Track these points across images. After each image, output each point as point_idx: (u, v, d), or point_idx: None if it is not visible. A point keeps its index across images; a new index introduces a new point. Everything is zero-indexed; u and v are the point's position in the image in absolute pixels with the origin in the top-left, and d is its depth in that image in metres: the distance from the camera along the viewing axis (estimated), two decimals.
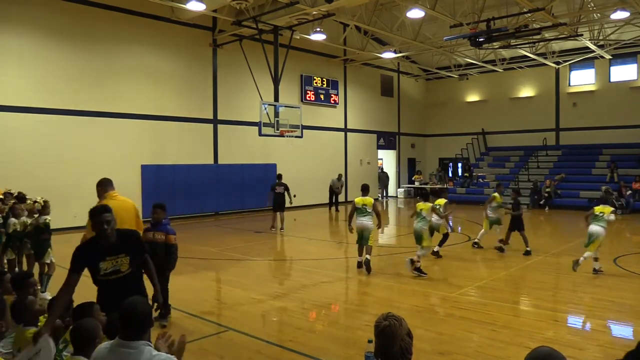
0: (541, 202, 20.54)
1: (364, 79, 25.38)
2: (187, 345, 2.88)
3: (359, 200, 9.24)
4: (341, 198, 23.53)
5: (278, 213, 14.71)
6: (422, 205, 9.20)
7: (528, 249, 10.44)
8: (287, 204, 15.04)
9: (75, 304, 3.73)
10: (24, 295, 3.84)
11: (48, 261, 7.50)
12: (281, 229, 14.64)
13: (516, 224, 10.74)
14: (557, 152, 24.19)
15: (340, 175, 21.05)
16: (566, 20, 17.08)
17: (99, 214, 3.71)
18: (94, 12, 15.48)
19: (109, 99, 15.87)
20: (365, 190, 9.46)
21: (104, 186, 5.56)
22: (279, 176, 15.61)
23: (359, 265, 9.21)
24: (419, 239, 8.93)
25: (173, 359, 2.44)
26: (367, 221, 9.01)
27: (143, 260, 4.03)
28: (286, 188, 14.97)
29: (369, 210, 9.09)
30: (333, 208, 20.50)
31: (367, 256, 8.94)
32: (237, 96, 19.41)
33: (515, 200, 11.07)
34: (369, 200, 9.23)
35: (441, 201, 10.61)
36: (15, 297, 3.85)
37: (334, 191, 20.55)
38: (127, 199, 5.54)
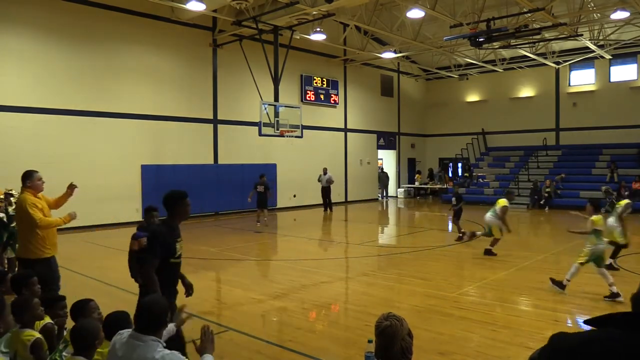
0: (541, 202, 20.54)
1: (364, 79, 25.39)
2: (187, 346, 2.91)
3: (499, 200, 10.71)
4: (341, 198, 23.57)
5: (262, 210, 15.75)
6: (598, 220, 7.31)
7: (462, 232, 12.58)
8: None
9: (71, 304, 3.73)
10: (26, 295, 3.83)
11: None
12: (258, 222, 15.62)
13: (456, 215, 12.95)
14: (557, 152, 24.18)
15: (325, 170, 20.29)
16: (566, 20, 17.08)
17: (185, 198, 4.09)
18: (94, 12, 15.49)
19: (109, 99, 15.87)
20: (507, 194, 11.12)
21: (22, 179, 5.47)
22: (261, 175, 16.17)
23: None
24: (602, 260, 7.38)
25: (172, 355, 2.57)
26: (491, 218, 10.47)
27: None
28: (267, 187, 15.69)
29: (497, 211, 10.40)
30: (328, 209, 19.94)
31: (489, 246, 10.36)
32: (237, 96, 19.41)
33: (457, 194, 13.35)
34: (501, 201, 10.51)
35: (622, 202, 9.00)
36: (19, 296, 3.82)
37: (324, 189, 19.95)
38: (18, 200, 5.30)
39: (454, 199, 13.16)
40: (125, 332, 2.76)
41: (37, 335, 3.30)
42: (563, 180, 21.49)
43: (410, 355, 2.23)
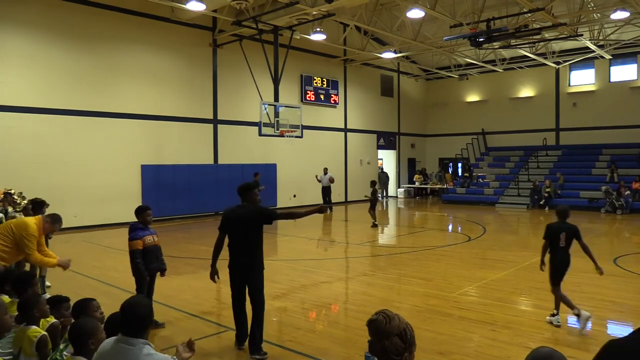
0: (541, 202, 20.54)
1: (364, 79, 25.39)
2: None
3: None
4: (341, 198, 23.57)
5: None
6: None
7: (375, 222, 15.37)
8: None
9: (73, 304, 3.74)
10: (32, 293, 3.84)
11: None
12: None
13: (372, 205, 15.64)
14: (557, 152, 24.18)
15: (325, 169, 20.36)
16: (566, 20, 17.08)
17: (255, 189, 5.46)
18: (94, 12, 15.49)
19: (109, 99, 15.87)
20: None
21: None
22: (255, 174, 17.68)
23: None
24: None
25: (169, 359, 2.56)
26: None
27: None
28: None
29: None
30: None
31: None
32: (237, 96, 19.40)
33: (373, 189, 15.87)
34: None
35: None
36: (25, 294, 3.83)
37: (324, 189, 20.00)
38: (23, 221, 5.62)
39: (371, 192, 16.00)
40: (111, 340, 2.70)
41: (43, 332, 3.32)
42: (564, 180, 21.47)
43: (396, 357, 2.07)
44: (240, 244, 5.25)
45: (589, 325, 5.76)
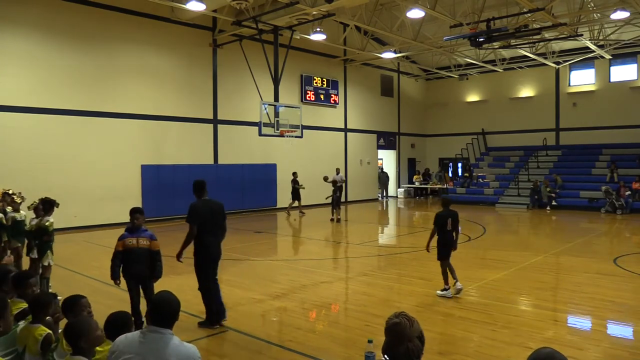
0: (544, 201, 20.52)
1: (364, 79, 25.38)
2: None
3: None
4: (341, 198, 23.52)
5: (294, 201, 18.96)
6: None
7: (336, 217, 16.61)
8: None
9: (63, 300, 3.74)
10: (46, 292, 3.85)
11: (45, 263, 7.47)
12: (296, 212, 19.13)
13: (335, 203, 16.81)
14: (557, 152, 24.18)
15: (338, 170, 20.00)
16: (566, 20, 17.08)
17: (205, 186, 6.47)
18: (94, 12, 15.48)
19: (109, 99, 15.87)
20: None
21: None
22: (293, 173, 18.96)
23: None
24: None
25: (193, 348, 2.73)
26: None
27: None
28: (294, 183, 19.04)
29: None
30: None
31: None
32: (237, 96, 19.40)
33: (335, 187, 16.91)
34: None
35: None
36: (40, 293, 3.83)
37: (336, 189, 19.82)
38: None
39: (334, 189, 16.97)
40: (130, 335, 2.79)
41: (48, 331, 3.34)
42: (562, 181, 21.45)
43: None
44: (216, 232, 6.11)
45: (458, 294, 7.20)
